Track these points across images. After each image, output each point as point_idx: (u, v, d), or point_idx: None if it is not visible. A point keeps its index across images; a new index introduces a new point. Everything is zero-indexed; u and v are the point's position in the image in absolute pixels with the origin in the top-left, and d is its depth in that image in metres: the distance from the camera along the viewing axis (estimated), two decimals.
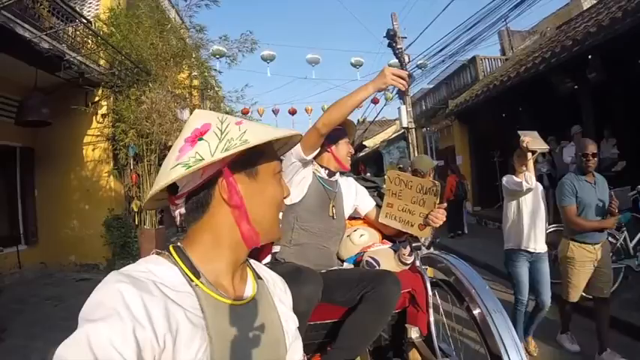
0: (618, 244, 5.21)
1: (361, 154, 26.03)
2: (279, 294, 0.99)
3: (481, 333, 1.88)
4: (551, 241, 5.76)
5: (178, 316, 0.72)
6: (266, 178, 0.87)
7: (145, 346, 0.66)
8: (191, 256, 0.82)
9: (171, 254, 0.82)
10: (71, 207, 8.30)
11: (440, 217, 2.03)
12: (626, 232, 5.27)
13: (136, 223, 8.03)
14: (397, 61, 14.72)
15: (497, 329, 1.81)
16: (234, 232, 0.84)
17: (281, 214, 0.94)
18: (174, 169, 0.81)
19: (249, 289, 0.90)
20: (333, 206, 2.22)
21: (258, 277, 0.96)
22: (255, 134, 0.82)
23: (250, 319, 0.85)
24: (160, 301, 0.71)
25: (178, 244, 0.85)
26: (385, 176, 2.30)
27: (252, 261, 1.00)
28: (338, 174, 2.34)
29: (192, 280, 0.78)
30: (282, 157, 1.07)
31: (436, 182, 2.09)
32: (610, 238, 5.07)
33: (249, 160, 0.85)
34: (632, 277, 5.04)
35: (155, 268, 0.78)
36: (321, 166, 2.25)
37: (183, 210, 0.88)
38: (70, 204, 8.30)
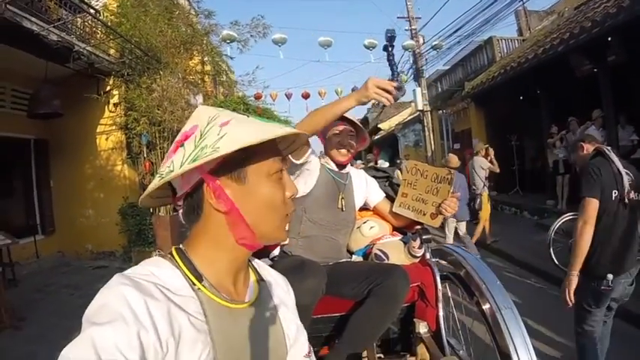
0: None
1: (376, 137, 25.89)
2: (281, 295, 0.98)
3: (490, 329, 1.85)
4: (567, 229, 5.73)
5: (181, 320, 0.72)
6: (258, 179, 0.81)
7: (149, 349, 0.66)
8: (193, 258, 0.82)
9: (173, 257, 0.82)
10: (86, 196, 8.43)
11: (452, 205, 2.03)
12: None
13: (151, 210, 8.08)
14: (412, 42, 14.53)
15: (507, 325, 1.77)
16: (229, 236, 0.82)
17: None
18: (155, 177, 0.82)
19: (251, 292, 0.90)
20: (342, 198, 2.20)
21: (260, 279, 0.95)
22: (232, 140, 0.75)
23: (252, 323, 0.84)
24: (163, 305, 0.71)
25: (181, 246, 0.85)
26: (402, 166, 2.27)
27: (255, 261, 0.99)
28: (349, 166, 2.33)
29: (195, 284, 0.78)
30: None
31: (451, 171, 2.09)
32: None
33: (235, 162, 0.80)
34: None
35: (158, 272, 0.77)
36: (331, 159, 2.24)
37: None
38: (85, 193, 8.43)
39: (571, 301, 2.77)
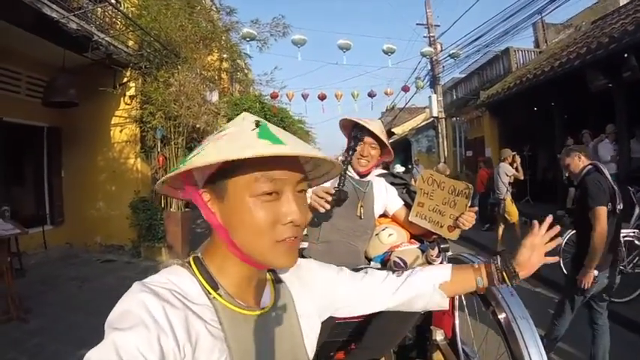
0: None
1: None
2: (299, 290, 0.97)
3: (505, 338, 1.82)
4: None
5: (198, 327, 0.74)
6: (240, 198, 0.77)
7: (169, 354, 0.68)
8: (209, 266, 0.84)
9: (191, 266, 0.83)
10: (97, 188, 8.44)
11: (470, 219, 2.01)
12: None
13: (162, 205, 8.11)
14: (430, 49, 14.58)
15: (523, 335, 1.74)
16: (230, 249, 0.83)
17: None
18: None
19: (267, 298, 0.90)
20: (361, 206, 2.22)
21: (277, 280, 0.95)
22: (206, 155, 0.75)
23: (269, 329, 0.85)
24: (180, 313, 0.73)
25: (198, 254, 0.86)
26: (418, 175, 2.27)
27: None
28: (372, 174, 2.34)
29: (210, 293, 0.80)
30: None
31: (469, 185, 2.07)
32: (636, 241, 5.14)
33: (217, 179, 0.79)
34: None
35: (176, 280, 0.79)
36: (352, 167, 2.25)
37: None
38: (97, 185, 8.44)
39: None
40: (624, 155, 7.91)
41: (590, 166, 3.62)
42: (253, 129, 0.78)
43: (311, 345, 0.95)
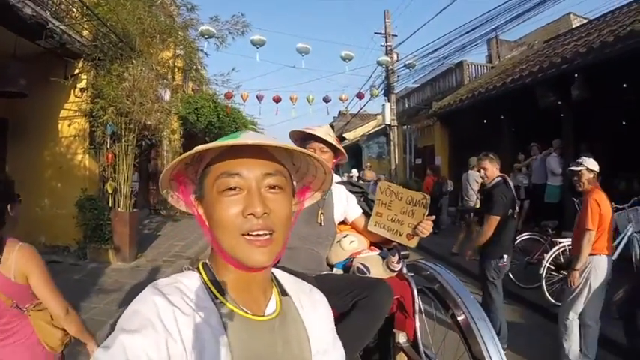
0: None
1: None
2: (306, 312, 0.94)
3: (465, 339, 1.96)
4: (523, 247, 6.15)
5: (205, 332, 0.75)
6: (212, 195, 0.81)
7: (175, 358, 0.70)
8: (216, 272, 0.85)
9: (199, 271, 0.86)
10: (43, 184, 7.95)
11: (428, 228, 2.13)
12: None
13: (110, 205, 7.82)
14: (387, 58, 14.88)
15: (482, 336, 1.88)
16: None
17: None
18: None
19: (273, 307, 0.89)
20: (321, 213, 2.26)
21: (283, 293, 0.93)
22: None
23: (274, 335, 0.84)
24: (189, 318, 0.75)
25: (207, 260, 0.89)
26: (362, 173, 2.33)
27: (278, 274, 0.98)
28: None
29: (217, 297, 0.81)
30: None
31: (427, 196, 2.18)
32: None
33: (200, 179, 0.86)
34: None
35: (187, 282, 0.82)
36: None
37: None
38: (42, 181, 7.95)
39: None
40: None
41: (499, 178, 4.49)
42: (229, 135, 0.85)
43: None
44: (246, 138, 0.79)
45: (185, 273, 0.86)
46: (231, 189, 0.79)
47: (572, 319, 3.78)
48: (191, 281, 0.82)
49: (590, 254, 3.73)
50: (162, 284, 0.79)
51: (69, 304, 1.97)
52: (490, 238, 4.38)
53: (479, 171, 4.83)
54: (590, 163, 3.87)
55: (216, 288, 0.82)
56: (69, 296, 2.01)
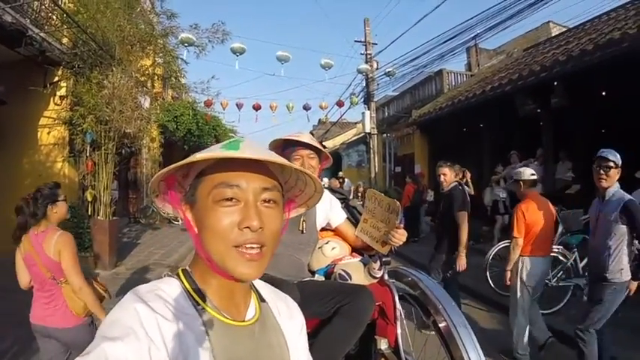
0: (569, 264, 5.56)
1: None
2: (283, 320, 0.96)
3: (446, 346, 1.95)
4: (503, 255, 6.18)
5: (188, 339, 0.75)
6: (205, 204, 0.80)
7: None
8: (196, 278, 0.84)
9: (179, 277, 0.85)
10: (22, 192, 7.74)
11: (398, 237, 2.05)
12: (577, 253, 5.61)
13: (90, 213, 7.73)
14: (367, 66, 14.95)
15: (463, 342, 1.88)
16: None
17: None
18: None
19: (252, 312, 0.90)
20: (304, 221, 2.23)
21: (261, 300, 0.95)
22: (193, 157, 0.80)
23: (255, 341, 0.85)
24: (172, 325, 0.74)
25: (187, 267, 0.87)
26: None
27: (255, 282, 0.97)
28: None
29: (199, 304, 0.81)
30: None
31: (396, 202, 2.14)
32: (561, 257, 5.55)
33: (191, 189, 0.85)
34: (579, 294, 5.32)
35: (168, 289, 0.81)
36: None
37: None
38: (21, 189, 7.68)
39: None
40: (549, 176, 8.43)
41: (456, 183, 5.13)
42: (226, 142, 0.82)
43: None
44: (245, 149, 0.78)
45: (165, 280, 0.84)
46: (227, 199, 0.78)
47: (520, 316, 4.14)
48: (171, 288, 0.81)
49: (522, 256, 4.11)
50: (143, 291, 0.77)
51: (86, 283, 2.70)
52: (442, 235, 5.11)
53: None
54: (526, 173, 4.24)
55: (197, 294, 0.82)
56: None
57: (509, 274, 4.21)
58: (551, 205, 4.26)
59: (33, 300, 2.76)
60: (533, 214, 4.09)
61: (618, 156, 3.44)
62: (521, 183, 4.20)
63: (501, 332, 4.94)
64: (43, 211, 2.74)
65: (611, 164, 3.43)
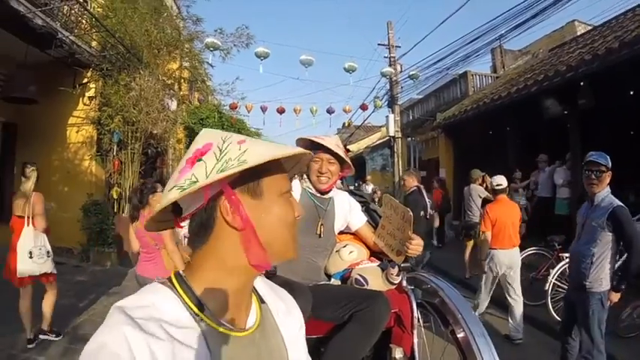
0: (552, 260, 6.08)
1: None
2: (282, 318, 0.95)
3: (464, 356, 1.88)
4: (530, 263, 6.05)
5: (185, 355, 0.71)
6: (271, 197, 0.82)
7: None
8: (194, 285, 0.80)
9: (173, 284, 0.80)
10: (50, 188, 7.98)
11: (414, 248, 2.02)
12: None
13: (115, 210, 7.89)
14: (390, 69, 14.81)
15: (481, 354, 1.80)
16: (240, 257, 0.80)
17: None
18: (169, 192, 0.78)
19: (253, 318, 0.88)
20: (321, 225, 2.20)
21: (262, 301, 0.93)
22: (256, 154, 0.77)
23: (256, 349, 0.83)
24: (166, 345, 0.69)
25: (180, 272, 0.83)
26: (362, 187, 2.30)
27: (256, 283, 0.96)
28: (333, 192, 2.32)
29: (197, 315, 0.76)
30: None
31: (408, 210, 2.09)
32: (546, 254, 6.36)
33: (252, 179, 0.81)
34: None
35: (159, 302, 0.75)
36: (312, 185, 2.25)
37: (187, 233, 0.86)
38: (49, 185, 7.98)
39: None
40: (577, 178, 8.09)
41: (415, 187, 6.07)
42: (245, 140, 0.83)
43: None
44: (287, 149, 0.84)
45: (155, 288, 0.79)
46: (288, 192, 0.86)
47: (482, 300, 5.28)
48: (164, 299, 0.76)
49: (491, 248, 5.04)
50: (132, 307, 0.72)
51: (177, 249, 3.56)
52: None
53: (481, 184, 5.53)
54: (496, 180, 5.22)
55: (194, 304, 0.77)
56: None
57: (483, 264, 5.18)
58: (517, 207, 5.49)
59: (140, 259, 3.91)
60: (496, 212, 5.08)
61: (609, 159, 3.34)
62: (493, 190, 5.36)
63: (524, 344, 4.82)
64: (147, 199, 3.80)
65: (603, 168, 3.33)
